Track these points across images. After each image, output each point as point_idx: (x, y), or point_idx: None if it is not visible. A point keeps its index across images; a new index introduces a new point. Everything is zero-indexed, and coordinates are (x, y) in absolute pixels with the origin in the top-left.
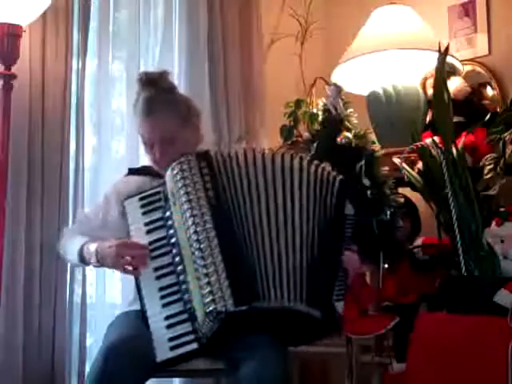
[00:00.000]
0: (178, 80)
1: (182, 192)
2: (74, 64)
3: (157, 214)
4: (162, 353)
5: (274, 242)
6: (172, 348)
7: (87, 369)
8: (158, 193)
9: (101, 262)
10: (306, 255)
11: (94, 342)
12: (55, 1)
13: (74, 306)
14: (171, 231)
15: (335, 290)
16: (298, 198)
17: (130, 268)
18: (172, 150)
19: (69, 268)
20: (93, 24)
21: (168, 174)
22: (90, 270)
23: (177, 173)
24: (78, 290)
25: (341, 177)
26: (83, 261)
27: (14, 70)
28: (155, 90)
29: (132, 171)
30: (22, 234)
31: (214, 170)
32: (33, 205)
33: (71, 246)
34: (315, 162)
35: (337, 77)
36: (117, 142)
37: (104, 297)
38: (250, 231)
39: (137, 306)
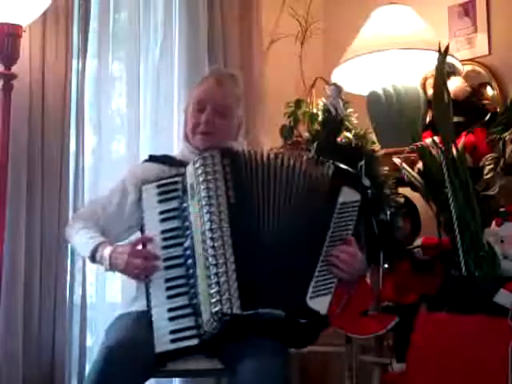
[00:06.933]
0: (178, 80)
1: (202, 187)
2: (74, 64)
3: (173, 204)
4: (162, 344)
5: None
6: (172, 341)
7: (87, 369)
8: (177, 182)
9: (112, 267)
10: (290, 257)
11: (94, 342)
12: (55, 1)
13: (74, 306)
14: (186, 223)
15: (312, 286)
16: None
17: (142, 276)
18: (218, 121)
19: (69, 268)
20: (93, 24)
21: (190, 167)
22: (90, 270)
23: (199, 166)
24: (78, 290)
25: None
26: (94, 261)
27: (13, 69)
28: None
29: (152, 158)
30: (22, 233)
31: (236, 169)
32: (33, 205)
33: (83, 239)
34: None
35: (337, 77)
36: (117, 142)
37: (104, 297)
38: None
39: (137, 307)
